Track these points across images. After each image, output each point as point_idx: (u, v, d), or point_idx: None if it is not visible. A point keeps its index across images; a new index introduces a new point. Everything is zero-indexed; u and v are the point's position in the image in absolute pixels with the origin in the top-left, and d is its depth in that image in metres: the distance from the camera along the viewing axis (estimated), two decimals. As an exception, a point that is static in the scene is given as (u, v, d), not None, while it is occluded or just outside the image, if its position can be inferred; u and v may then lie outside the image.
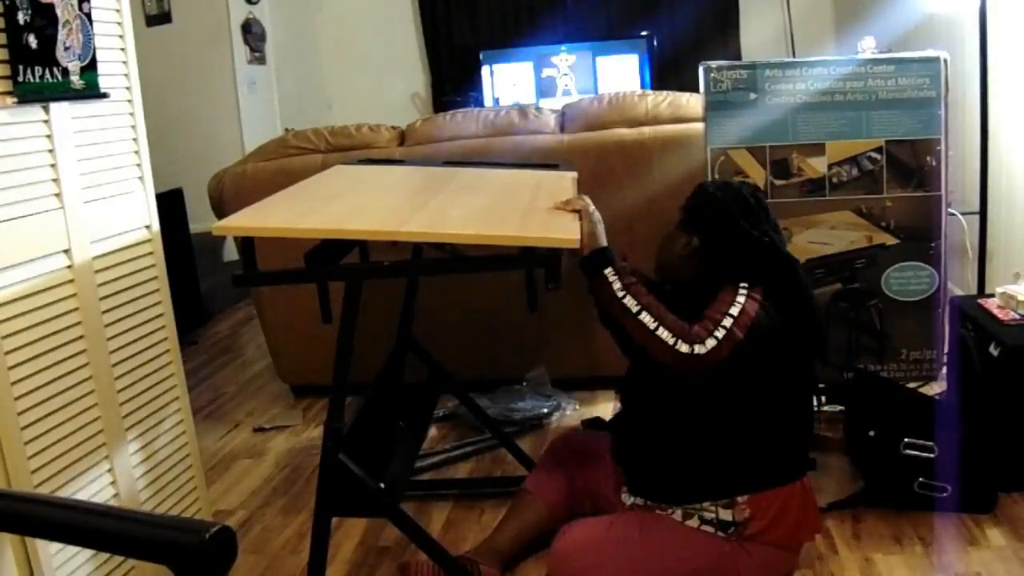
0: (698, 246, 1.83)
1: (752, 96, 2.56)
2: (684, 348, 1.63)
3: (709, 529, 1.75)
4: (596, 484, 2.03)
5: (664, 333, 1.64)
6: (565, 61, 6.03)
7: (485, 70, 6.08)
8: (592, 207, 1.75)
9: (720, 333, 1.66)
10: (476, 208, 1.87)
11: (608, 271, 1.69)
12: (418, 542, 1.87)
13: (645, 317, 1.65)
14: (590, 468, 2.06)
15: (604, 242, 1.73)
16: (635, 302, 1.67)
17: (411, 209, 1.89)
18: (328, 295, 1.80)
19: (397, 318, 2.35)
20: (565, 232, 1.61)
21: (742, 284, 1.74)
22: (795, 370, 1.81)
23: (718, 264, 1.79)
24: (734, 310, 1.69)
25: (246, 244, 1.62)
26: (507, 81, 6.11)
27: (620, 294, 1.68)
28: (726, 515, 1.74)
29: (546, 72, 6.06)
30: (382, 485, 1.78)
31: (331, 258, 1.75)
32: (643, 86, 5.88)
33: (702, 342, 1.64)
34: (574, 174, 2.23)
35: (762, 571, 1.76)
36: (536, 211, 1.81)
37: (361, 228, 1.63)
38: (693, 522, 1.75)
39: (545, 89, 6.05)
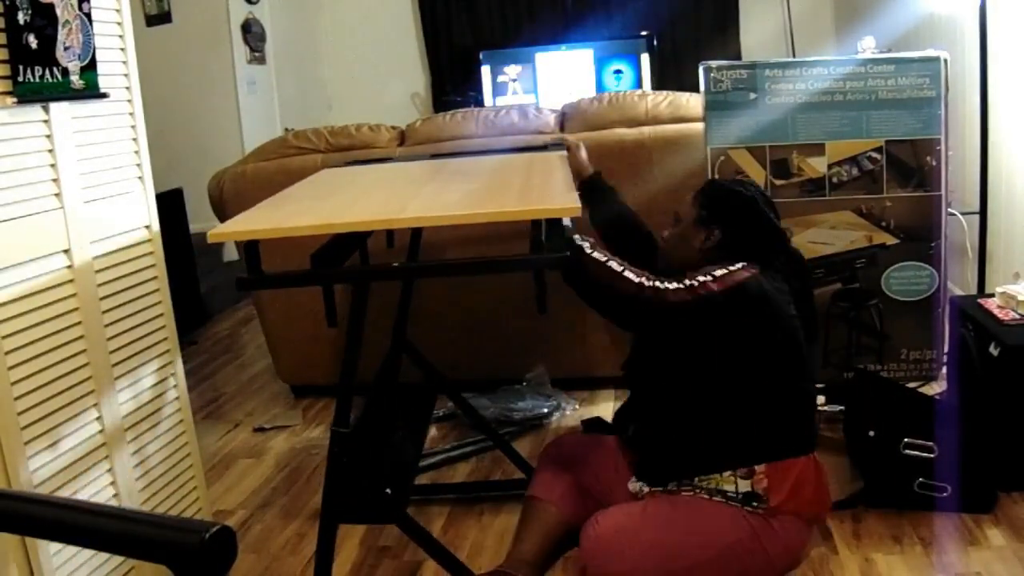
0: (720, 238, 1.85)
1: (752, 96, 2.56)
2: (647, 282, 1.70)
3: (735, 505, 1.76)
4: (602, 481, 2.03)
5: (630, 274, 1.71)
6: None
7: (485, 70, 6.08)
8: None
9: (689, 282, 1.70)
10: (469, 191, 1.85)
11: (585, 245, 1.77)
12: (426, 547, 1.85)
13: (613, 264, 1.73)
14: (591, 467, 2.05)
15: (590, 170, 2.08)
16: (604, 255, 1.75)
17: (405, 198, 1.87)
18: (333, 298, 1.75)
19: (393, 319, 2.34)
20: (565, 202, 1.58)
21: (743, 262, 1.76)
22: (798, 348, 1.82)
23: (738, 253, 1.81)
24: (718, 271, 1.72)
25: (250, 247, 1.61)
26: (507, 81, 6.11)
27: (590, 251, 1.75)
28: (745, 486, 1.75)
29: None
30: (389, 491, 1.74)
31: (335, 260, 1.73)
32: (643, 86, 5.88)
33: (663, 283, 1.70)
34: (563, 153, 2.22)
35: (787, 545, 1.78)
36: (532, 188, 1.78)
37: (358, 220, 1.59)
38: (718, 498, 1.77)
39: (545, 89, 6.04)
